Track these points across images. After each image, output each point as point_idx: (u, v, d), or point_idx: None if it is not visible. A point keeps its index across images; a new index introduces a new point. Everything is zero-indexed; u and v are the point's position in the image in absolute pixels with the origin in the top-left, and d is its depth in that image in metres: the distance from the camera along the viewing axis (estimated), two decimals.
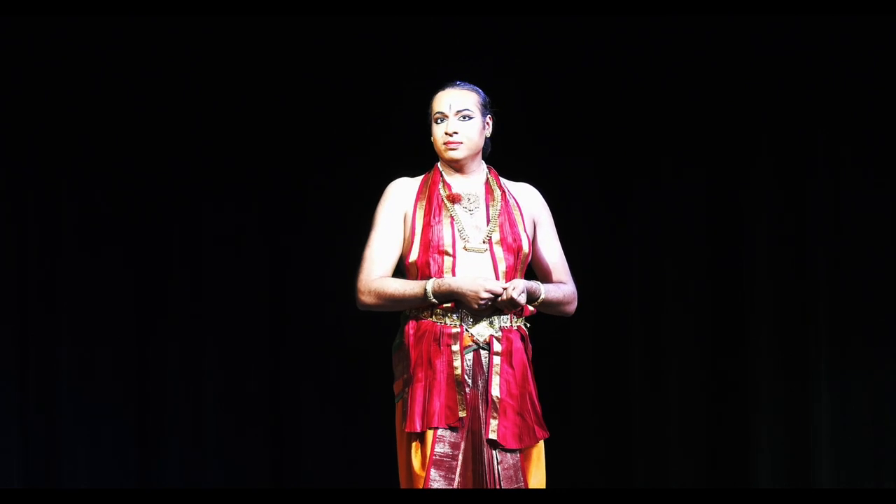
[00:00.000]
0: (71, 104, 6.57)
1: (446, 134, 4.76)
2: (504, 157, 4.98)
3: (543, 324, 5.04)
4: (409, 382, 4.69)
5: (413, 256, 4.71)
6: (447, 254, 4.68)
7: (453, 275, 4.66)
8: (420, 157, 4.97)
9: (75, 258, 6.59)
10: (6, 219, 6.51)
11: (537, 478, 4.71)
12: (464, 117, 4.77)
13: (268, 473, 6.79)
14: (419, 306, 4.68)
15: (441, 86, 4.83)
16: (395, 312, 4.79)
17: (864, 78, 6.62)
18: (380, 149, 6.75)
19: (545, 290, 4.74)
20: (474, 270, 4.68)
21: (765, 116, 6.71)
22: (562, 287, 4.81)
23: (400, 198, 4.77)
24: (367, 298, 4.72)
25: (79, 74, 6.59)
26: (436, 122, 4.79)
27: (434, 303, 4.65)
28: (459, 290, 4.61)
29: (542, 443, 4.73)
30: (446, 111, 4.77)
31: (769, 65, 6.69)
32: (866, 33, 6.57)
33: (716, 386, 6.76)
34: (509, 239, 4.73)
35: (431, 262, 4.68)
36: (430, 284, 4.64)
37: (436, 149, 4.81)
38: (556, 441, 4.99)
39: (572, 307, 4.85)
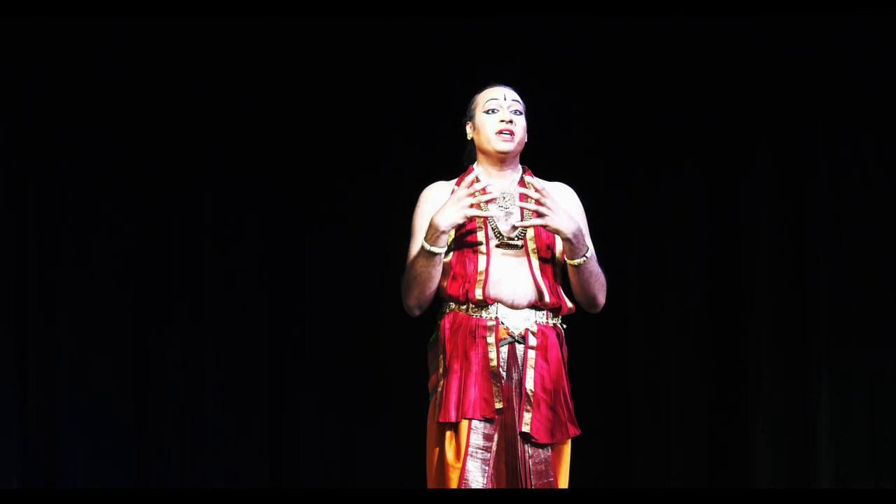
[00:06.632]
0: (73, 107, 6.53)
1: (502, 122, 4.69)
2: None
3: None
4: (443, 375, 4.64)
5: (448, 257, 4.67)
6: (481, 252, 4.65)
7: (486, 277, 4.62)
8: (431, 162, 4.97)
9: (75, 259, 6.55)
10: (6, 222, 6.46)
11: (563, 477, 4.66)
12: (517, 111, 4.73)
13: (267, 474, 6.76)
14: (431, 263, 4.58)
15: (486, 85, 4.77)
16: (427, 315, 4.76)
17: (864, 78, 6.65)
18: (380, 153, 6.75)
19: (592, 252, 4.68)
20: (509, 269, 4.65)
21: (765, 115, 6.73)
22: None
23: (434, 202, 4.70)
24: (405, 298, 4.69)
25: (80, 76, 6.55)
26: (486, 113, 4.71)
27: (433, 251, 4.56)
28: (441, 211, 4.57)
29: (569, 443, 4.68)
30: (501, 101, 4.72)
31: (769, 64, 6.71)
32: (866, 33, 6.61)
33: (716, 386, 6.77)
34: (543, 236, 4.69)
35: (467, 262, 4.65)
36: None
37: (481, 141, 4.73)
38: None
39: (603, 295, 4.77)
